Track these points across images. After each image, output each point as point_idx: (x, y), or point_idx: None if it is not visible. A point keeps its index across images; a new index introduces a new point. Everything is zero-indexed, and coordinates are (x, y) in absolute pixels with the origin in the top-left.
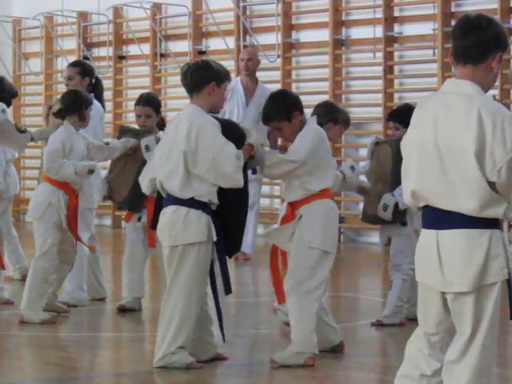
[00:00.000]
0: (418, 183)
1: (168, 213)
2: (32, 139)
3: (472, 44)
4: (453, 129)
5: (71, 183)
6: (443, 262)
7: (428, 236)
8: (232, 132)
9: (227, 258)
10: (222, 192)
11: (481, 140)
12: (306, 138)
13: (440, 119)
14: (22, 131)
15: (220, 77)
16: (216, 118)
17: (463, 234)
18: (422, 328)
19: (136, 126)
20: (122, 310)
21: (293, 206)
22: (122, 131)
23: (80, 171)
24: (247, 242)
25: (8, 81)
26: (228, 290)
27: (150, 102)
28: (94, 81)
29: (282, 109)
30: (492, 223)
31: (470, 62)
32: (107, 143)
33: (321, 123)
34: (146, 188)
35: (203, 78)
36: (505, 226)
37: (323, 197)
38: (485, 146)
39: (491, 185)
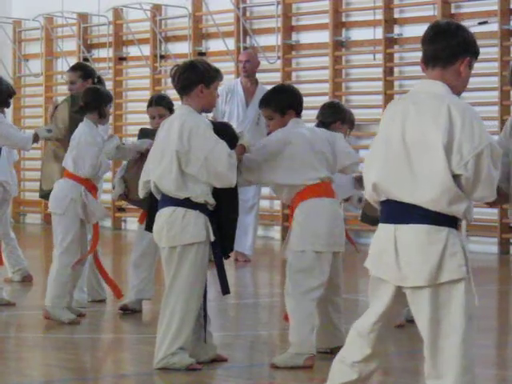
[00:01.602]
0: (381, 175)
1: (165, 214)
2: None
3: (441, 47)
4: (421, 124)
5: (92, 179)
6: (400, 256)
7: (385, 230)
8: (224, 132)
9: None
10: (213, 192)
11: (450, 134)
12: (268, 141)
13: (408, 116)
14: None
15: (208, 78)
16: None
17: (422, 229)
18: (370, 316)
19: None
20: (125, 310)
21: (291, 208)
22: (143, 133)
23: (113, 157)
24: (247, 244)
25: (5, 80)
26: (225, 291)
27: (161, 102)
28: (96, 81)
29: (278, 101)
30: (450, 222)
31: (439, 65)
32: (123, 144)
33: (327, 123)
34: (140, 191)
35: (190, 80)
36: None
37: (312, 196)
38: (453, 141)
39: (455, 180)
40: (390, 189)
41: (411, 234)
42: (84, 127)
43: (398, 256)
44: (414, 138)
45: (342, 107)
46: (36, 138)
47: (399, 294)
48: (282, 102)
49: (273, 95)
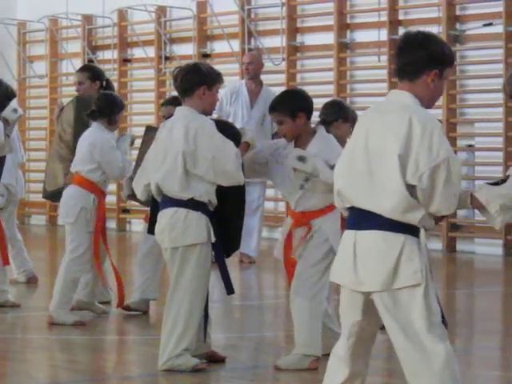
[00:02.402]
0: (344, 183)
1: (167, 215)
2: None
3: (406, 61)
4: (383, 134)
5: (101, 185)
6: (357, 261)
7: (347, 237)
8: (227, 131)
9: (230, 259)
10: (219, 191)
11: (407, 144)
12: (333, 149)
13: (373, 125)
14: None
15: (210, 80)
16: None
17: (379, 235)
18: (343, 335)
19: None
20: (126, 310)
21: (307, 216)
22: (148, 130)
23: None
24: (252, 245)
25: (5, 83)
26: (230, 291)
27: (173, 102)
28: (104, 83)
29: (289, 105)
30: (408, 229)
31: (406, 78)
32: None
33: (329, 122)
34: (140, 194)
35: (193, 81)
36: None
37: (334, 206)
38: (410, 150)
39: (411, 189)
40: (352, 196)
41: (369, 239)
42: (99, 132)
43: (355, 261)
44: (375, 146)
45: (344, 105)
46: (6, 123)
47: (367, 305)
48: (293, 106)
49: (282, 99)
